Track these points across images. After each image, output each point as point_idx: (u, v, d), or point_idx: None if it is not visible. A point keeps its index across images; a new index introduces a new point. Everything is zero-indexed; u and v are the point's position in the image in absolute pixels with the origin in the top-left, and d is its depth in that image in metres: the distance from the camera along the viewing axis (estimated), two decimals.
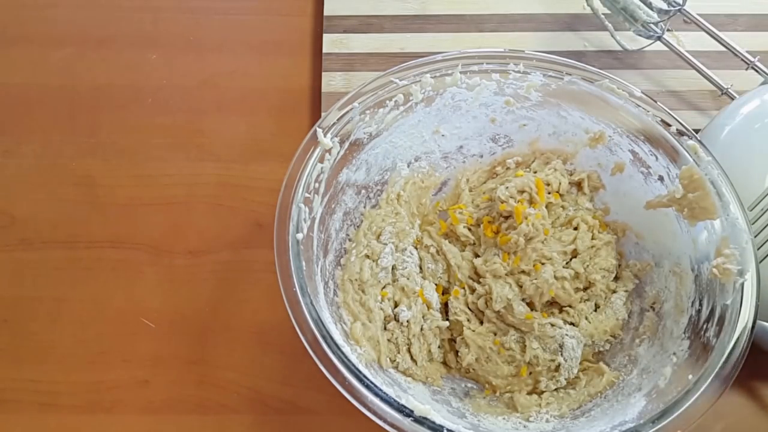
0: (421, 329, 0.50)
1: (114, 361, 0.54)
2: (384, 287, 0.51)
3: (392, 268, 0.52)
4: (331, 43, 0.65)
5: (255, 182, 0.60)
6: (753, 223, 0.49)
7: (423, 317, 0.51)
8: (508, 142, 0.55)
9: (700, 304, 0.46)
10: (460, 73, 0.50)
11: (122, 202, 0.59)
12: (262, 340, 0.54)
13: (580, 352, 0.50)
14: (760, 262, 0.46)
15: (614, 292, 0.52)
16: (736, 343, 0.42)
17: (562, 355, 0.49)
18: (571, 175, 0.55)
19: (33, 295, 0.56)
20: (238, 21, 0.69)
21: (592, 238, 0.53)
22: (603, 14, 0.64)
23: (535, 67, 0.51)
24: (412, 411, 0.40)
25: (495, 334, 0.50)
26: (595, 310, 0.52)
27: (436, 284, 0.52)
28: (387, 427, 0.39)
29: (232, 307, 0.56)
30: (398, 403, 0.40)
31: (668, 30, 0.62)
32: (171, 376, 0.53)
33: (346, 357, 0.41)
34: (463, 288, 0.52)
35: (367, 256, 0.52)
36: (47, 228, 0.59)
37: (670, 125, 0.49)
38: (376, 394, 0.40)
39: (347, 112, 0.49)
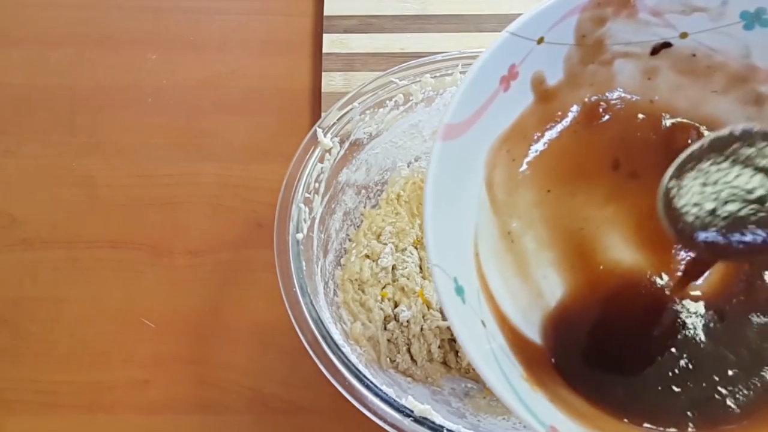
0: (421, 329, 0.50)
1: (114, 361, 0.54)
2: (384, 287, 0.51)
3: (392, 268, 0.52)
4: (331, 43, 0.65)
5: (255, 182, 0.60)
6: None
7: (423, 317, 0.51)
8: None
9: None
10: (460, 73, 0.50)
11: (122, 202, 0.59)
12: (262, 340, 0.54)
13: None
14: None
15: None
16: None
17: None
18: None
19: (33, 295, 0.56)
20: (238, 21, 0.69)
21: None
22: None
23: None
24: (411, 411, 0.40)
25: None
26: None
27: None
28: (387, 427, 0.39)
29: (232, 307, 0.56)
30: (398, 403, 0.40)
31: None
32: (171, 376, 0.53)
33: (345, 357, 0.41)
34: None
35: (367, 256, 0.51)
36: (47, 228, 0.59)
37: None
38: (376, 394, 0.40)
39: (347, 112, 0.49)
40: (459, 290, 0.32)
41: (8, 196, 0.60)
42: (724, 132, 0.32)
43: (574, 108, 0.38)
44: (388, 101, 0.50)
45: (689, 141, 0.37)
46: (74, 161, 0.61)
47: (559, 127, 0.38)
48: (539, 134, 0.38)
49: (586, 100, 0.38)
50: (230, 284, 0.56)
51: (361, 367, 0.42)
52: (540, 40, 0.35)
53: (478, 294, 0.34)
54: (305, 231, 0.46)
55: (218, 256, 0.58)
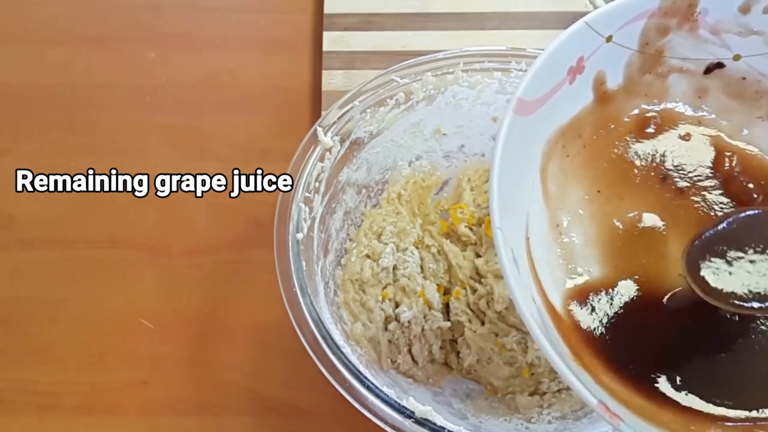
0: (422, 330, 0.50)
1: (113, 361, 0.54)
2: (385, 287, 0.51)
3: (393, 268, 0.52)
4: (331, 41, 0.64)
5: None
6: None
7: (424, 318, 0.50)
8: None
9: None
10: (462, 71, 0.50)
11: (121, 202, 0.59)
12: (261, 341, 0.54)
13: None
14: None
15: None
16: None
17: None
18: None
19: (31, 295, 0.56)
20: (237, 19, 0.68)
21: None
22: None
23: None
24: (413, 412, 0.39)
25: (496, 335, 0.50)
26: None
27: (437, 284, 0.52)
28: (388, 429, 0.39)
29: (231, 308, 0.55)
30: (399, 404, 0.40)
31: None
32: (170, 377, 0.53)
33: (346, 358, 0.41)
34: (465, 288, 0.51)
35: (368, 256, 0.51)
36: (46, 228, 0.58)
37: None
38: (377, 396, 0.40)
39: (348, 110, 0.48)
40: (515, 261, 0.33)
41: (6, 195, 0.59)
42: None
43: (628, 116, 0.39)
44: (388, 100, 0.49)
45: (725, 166, 0.38)
46: (72, 160, 0.61)
47: (613, 132, 0.39)
48: (594, 136, 0.39)
49: (638, 110, 0.39)
50: (230, 284, 0.56)
51: (361, 368, 0.41)
52: (609, 39, 0.36)
53: (528, 275, 0.34)
54: (305, 231, 0.45)
55: (218, 255, 0.57)
